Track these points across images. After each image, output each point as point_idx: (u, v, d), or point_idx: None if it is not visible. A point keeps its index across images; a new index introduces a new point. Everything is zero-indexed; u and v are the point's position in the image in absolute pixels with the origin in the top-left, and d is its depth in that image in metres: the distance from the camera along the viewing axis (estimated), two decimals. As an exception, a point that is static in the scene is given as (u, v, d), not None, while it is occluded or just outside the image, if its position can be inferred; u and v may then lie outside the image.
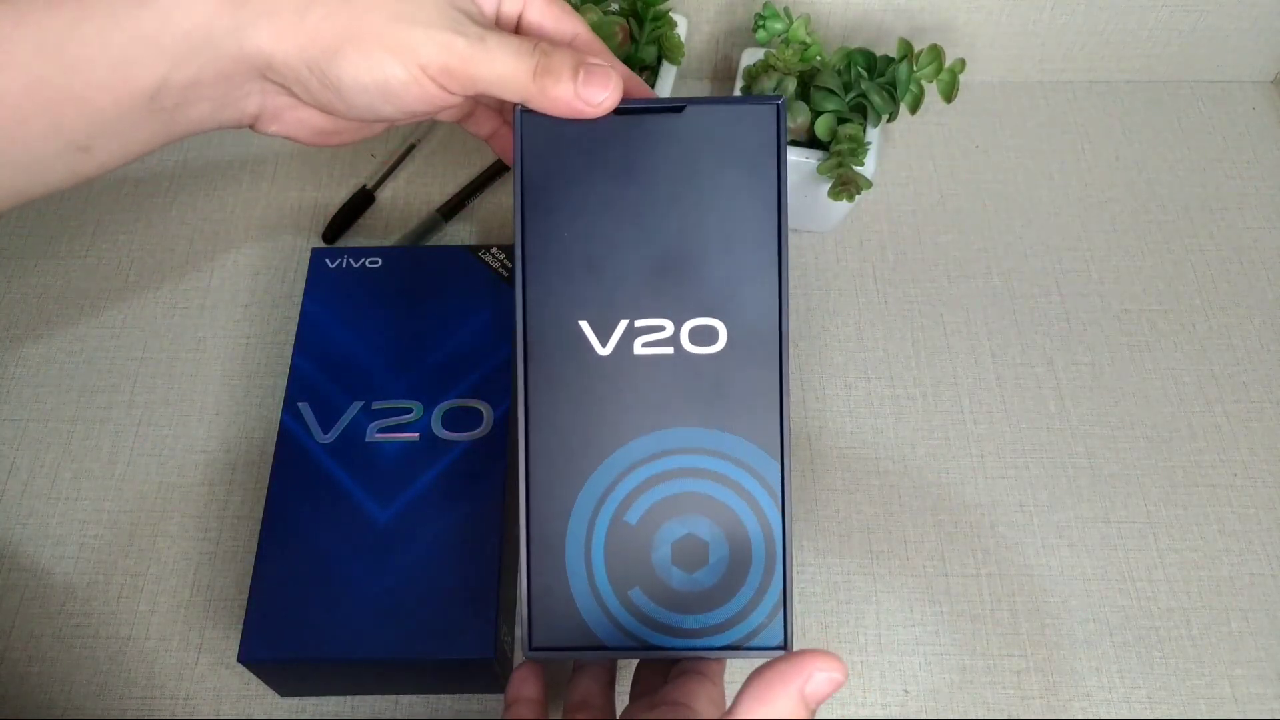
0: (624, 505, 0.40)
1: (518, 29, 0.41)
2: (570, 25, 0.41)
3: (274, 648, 0.45)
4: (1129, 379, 0.60)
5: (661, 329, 0.40)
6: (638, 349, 0.39)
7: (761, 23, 0.59)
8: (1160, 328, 0.62)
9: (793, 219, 0.65)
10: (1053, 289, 0.64)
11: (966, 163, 0.69)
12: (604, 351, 0.39)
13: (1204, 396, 0.60)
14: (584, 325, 0.40)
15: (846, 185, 0.56)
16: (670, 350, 0.40)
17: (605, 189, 0.40)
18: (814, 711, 0.31)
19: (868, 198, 0.66)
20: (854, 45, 0.59)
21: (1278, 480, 0.57)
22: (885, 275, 0.64)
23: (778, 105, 0.39)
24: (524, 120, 0.39)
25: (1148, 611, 0.53)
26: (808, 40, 0.59)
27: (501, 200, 0.68)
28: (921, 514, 0.56)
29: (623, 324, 0.40)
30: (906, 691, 0.51)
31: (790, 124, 0.58)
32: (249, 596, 0.46)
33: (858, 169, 0.56)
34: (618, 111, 0.39)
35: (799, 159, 0.58)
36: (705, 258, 0.40)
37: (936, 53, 0.57)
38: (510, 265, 0.55)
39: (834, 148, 0.56)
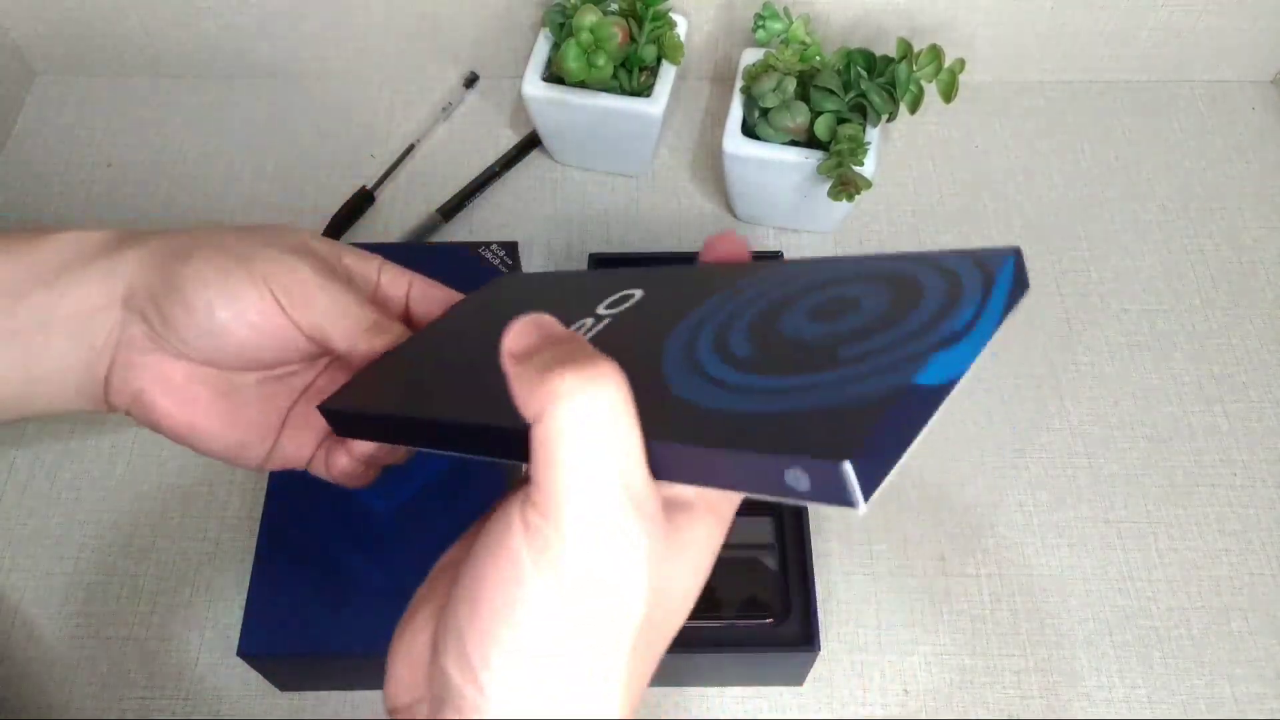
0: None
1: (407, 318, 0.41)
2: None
3: (273, 641, 0.45)
4: (1129, 379, 0.60)
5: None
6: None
7: (761, 23, 0.59)
8: (1160, 328, 0.62)
9: (793, 219, 0.65)
10: (1053, 289, 0.63)
11: (966, 163, 0.69)
12: None
13: (1204, 396, 0.60)
14: None
15: (846, 185, 0.56)
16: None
17: None
18: (535, 354, 0.25)
19: (868, 198, 0.66)
20: (854, 45, 0.59)
21: (1278, 480, 0.57)
22: (885, 275, 0.64)
23: None
24: None
25: (1148, 611, 0.53)
26: (807, 40, 0.59)
27: (501, 200, 0.68)
28: (921, 514, 0.56)
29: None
30: (906, 691, 0.51)
31: (790, 124, 0.58)
32: (249, 590, 0.46)
33: (858, 169, 0.56)
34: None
35: (799, 159, 0.58)
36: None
37: (936, 53, 0.57)
38: (510, 262, 0.55)
39: (834, 148, 0.56)
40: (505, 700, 0.24)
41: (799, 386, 0.25)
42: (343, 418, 0.36)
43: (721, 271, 0.34)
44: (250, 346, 0.37)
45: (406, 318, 0.41)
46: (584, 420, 0.23)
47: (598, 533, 0.24)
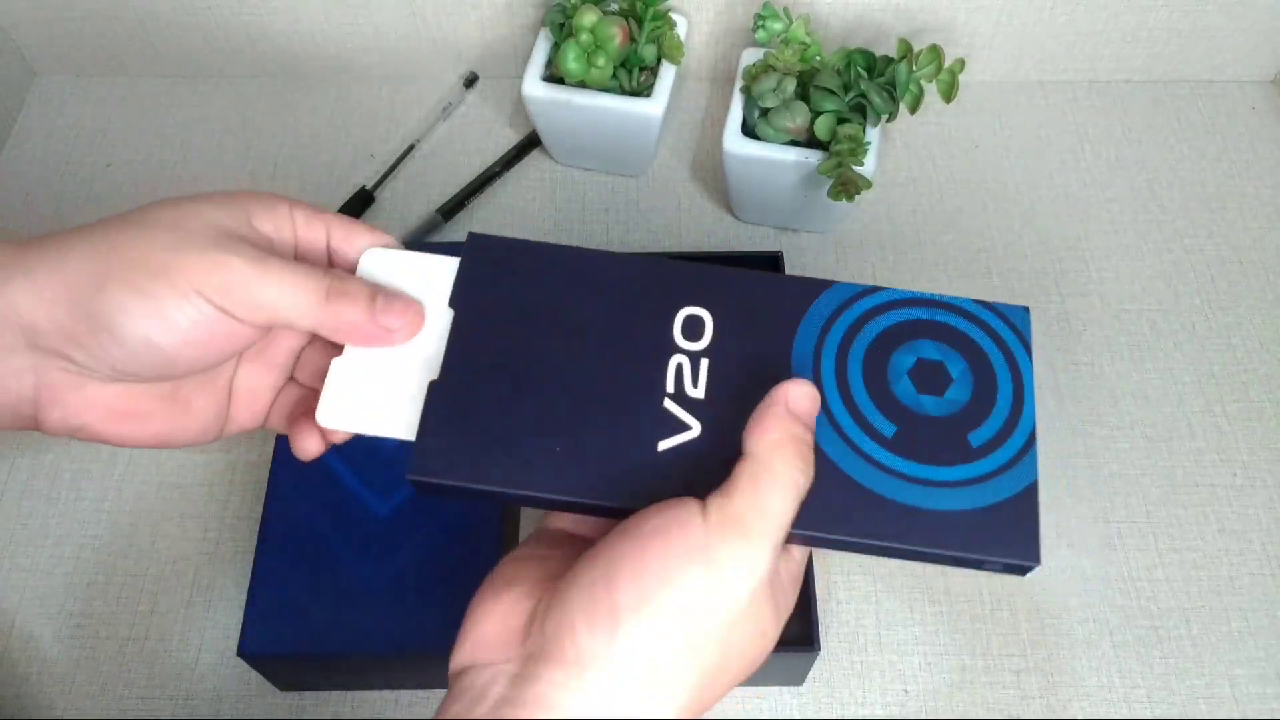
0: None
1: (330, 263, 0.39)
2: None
3: (274, 641, 0.45)
4: (1129, 379, 0.60)
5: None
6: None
7: (761, 23, 0.59)
8: (1160, 328, 0.62)
9: (793, 219, 0.65)
10: (1052, 289, 0.63)
11: (966, 163, 0.69)
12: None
13: (1204, 396, 0.60)
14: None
15: (846, 185, 0.56)
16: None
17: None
18: (809, 426, 0.34)
19: (868, 198, 0.66)
20: (854, 45, 0.59)
21: (1278, 480, 0.57)
22: (885, 275, 0.64)
23: None
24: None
25: (1148, 611, 0.53)
26: (807, 40, 0.59)
27: (501, 200, 0.68)
28: (921, 514, 0.56)
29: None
30: (906, 691, 0.51)
31: (790, 124, 0.58)
32: (249, 589, 0.46)
33: (858, 169, 0.56)
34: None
35: (799, 159, 0.58)
36: None
37: (936, 53, 0.57)
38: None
39: (834, 148, 0.56)
40: (628, 661, 0.30)
41: (951, 481, 0.35)
42: (439, 488, 0.35)
43: (766, 283, 0.38)
44: (199, 356, 0.35)
45: (330, 264, 0.38)
46: (792, 481, 0.32)
47: (750, 552, 0.31)
